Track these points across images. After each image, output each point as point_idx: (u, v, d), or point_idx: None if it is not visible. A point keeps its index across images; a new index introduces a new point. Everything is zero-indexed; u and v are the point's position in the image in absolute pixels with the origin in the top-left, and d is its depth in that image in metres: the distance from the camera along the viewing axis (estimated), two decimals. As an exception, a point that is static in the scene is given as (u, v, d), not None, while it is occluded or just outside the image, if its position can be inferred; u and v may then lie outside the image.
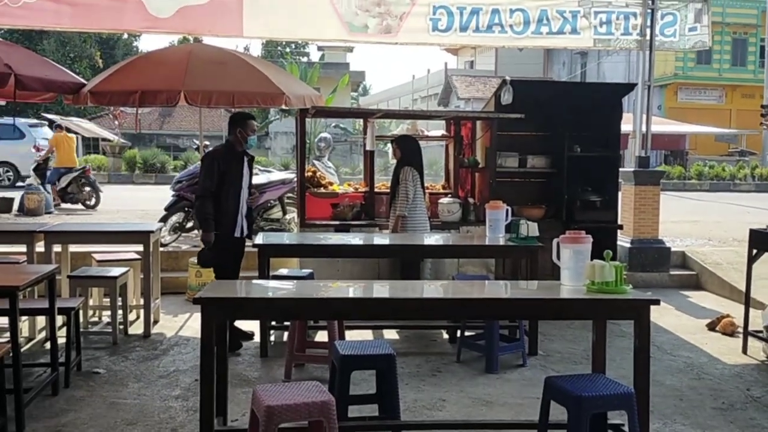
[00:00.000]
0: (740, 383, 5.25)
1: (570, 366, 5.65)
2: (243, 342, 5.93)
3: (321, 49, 41.12)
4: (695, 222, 13.33)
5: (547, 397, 3.54)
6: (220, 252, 5.77)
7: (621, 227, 7.94)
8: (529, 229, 5.79)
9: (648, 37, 8.67)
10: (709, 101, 36.58)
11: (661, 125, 23.87)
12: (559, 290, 3.89)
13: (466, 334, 5.84)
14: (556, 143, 7.77)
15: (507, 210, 6.10)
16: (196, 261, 6.42)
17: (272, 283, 4.19)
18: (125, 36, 42.29)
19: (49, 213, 12.43)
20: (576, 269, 3.93)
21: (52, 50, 38.07)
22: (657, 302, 3.68)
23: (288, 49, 42.22)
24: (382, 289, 4.21)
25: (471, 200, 7.67)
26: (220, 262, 5.81)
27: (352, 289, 4.12)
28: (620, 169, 8.26)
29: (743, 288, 7.99)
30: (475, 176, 7.98)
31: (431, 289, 4.13)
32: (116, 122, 26.86)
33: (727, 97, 37.15)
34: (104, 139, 30.17)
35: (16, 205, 12.51)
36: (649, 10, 8.57)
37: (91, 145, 33.77)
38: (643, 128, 8.90)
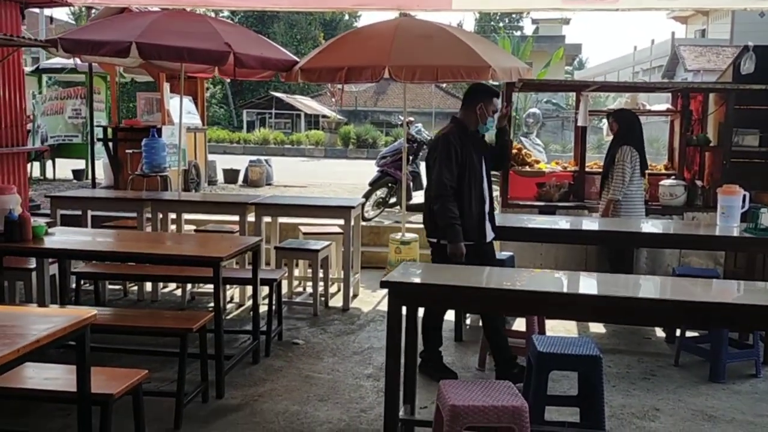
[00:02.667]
0: None
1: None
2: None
3: (535, 22, 39.82)
4: None
5: (791, 426, 2.91)
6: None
7: None
8: (771, 218, 4.94)
9: None
10: None
11: None
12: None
13: (688, 334, 5.16)
14: (809, 118, 6.62)
15: (744, 195, 5.28)
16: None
17: (466, 269, 3.91)
18: (346, 17, 44.22)
19: (269, 184, 13.24)
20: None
21: (282, 32, 40.86)
22: None
23: (501, 24, 41.52)
24: (586, 283, 3.75)
25: (698, 183, 6.80)
26: None
27: (551, 281, 3.72)
28: None
29: None
30: (705, 156, 7.07)
31: (646, 286, 3.60)
32: (333, 99, 28.11)
33: None
34: (323, 116, 31.91)
35: (241, 177, 13.48)
36: None
37: (312, 121, 35.89)
38: None
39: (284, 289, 6.21)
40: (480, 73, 6.32)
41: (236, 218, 6.66)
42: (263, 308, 5.24)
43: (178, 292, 6.56)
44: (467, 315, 5.81)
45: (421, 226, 8.61)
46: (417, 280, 3.47)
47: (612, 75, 44.39)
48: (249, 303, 6.25)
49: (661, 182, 6.75)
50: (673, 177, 7.02)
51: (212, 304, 6.01)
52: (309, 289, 6.69)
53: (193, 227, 7.32)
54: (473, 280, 3.51)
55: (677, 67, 36.20)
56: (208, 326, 4.09)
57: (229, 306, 6.21)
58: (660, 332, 5.79)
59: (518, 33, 37.81)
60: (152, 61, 7.48)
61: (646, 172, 6.23)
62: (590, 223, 5.77)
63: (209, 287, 6.66)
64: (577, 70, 47.72)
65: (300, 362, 4.88)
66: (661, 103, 7.92)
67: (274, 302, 5.19)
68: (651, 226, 5.62)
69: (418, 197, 9.22)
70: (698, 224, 6.28)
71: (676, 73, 36.14)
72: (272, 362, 4.86)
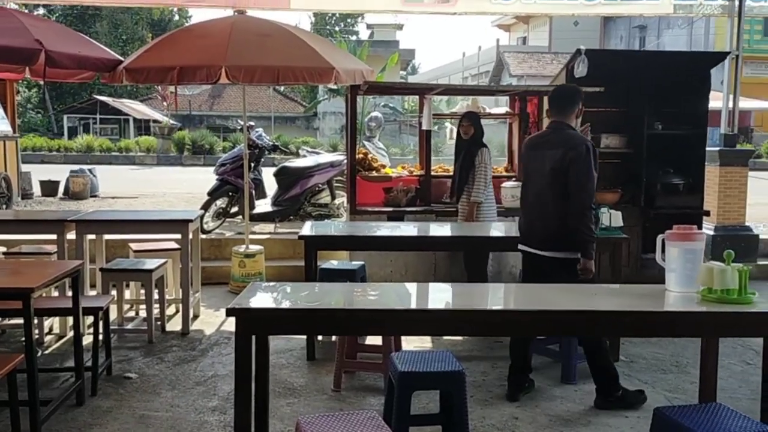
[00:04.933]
0: None
1: (658, 375, 4.94)
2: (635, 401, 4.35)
3: (370, 27, 40.34)
4: (773, 205, 12.26)
5: (657, 433, 2.87)
6: None
7: (708, 213, 7.11)
8: (612, 218, 5.08)
9: (737, 1, 7.75)
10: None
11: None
12: (667, 298, 3.20)
13: (537, 336, 5.18)
14: (634, 120, 6.99)
15: (584, 196, 5.38)
16: None
17: (316, 288, 3.59)
18: (176, 17, 42.35)
19: (95, 196, 12.15)
20: (685, 272, 3.25)
21: (105, 32, 38.34)
22: (797, 317, 2.96)
23: (337, 28, 41.68)
24: (446, 296, 3.56)
25: (538, 184, 6.95)
26: None
27: (408, 297, 3.48)
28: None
29: None
30: (541, 157, 7.25)
31: (506, 296, 3.48)
32: (164, 103, 26.71)
33: (794, 71, 35.14)
34: (155, 121, 30.27)
35: (61, 188, 12.26)
36: (740, -30, 7.66)
37: (142, 126, 33.96)
38: (730, 104, 8.01)
39: (113, 315, 5.57)
40: (323, 76, 6.05)
41: (54, 237, 5.89)
42: (88, 340, 4.62)
43: (-15, 325, 5.68)
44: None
45: (267, 236, 8.24)
46: (268, 304, 3.09)
47: (443, 80, 46.09)
48: (71, 334, 5.53)
49: (503, 184, 6.82)
50: (513, 179, 7.14)
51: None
52: (142, 314, 6.06)
53: (3, 249, 6.41)
54: (330, 301, 3.20)
55: (503, 73, 38.27)
56: (20, 367, 3.46)
57: (47, 338, 5.45)
58: (510, 334, 5.80)
59: (354, 37, 38.06)
60: (-54, 59, 6.50)
61: None
62: (440, 230, 5.66)
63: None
64: (410, 75, 49.01)
65: (133, 400, 4.32)
66: (497, 107, 8.08)
67: (100, 332, 4.57)
68: (499, 229, 5.61)
69: (262, 206, 8.79)
70: (541, 225, 6.39)
71: (502, 78, 38.22)
72: (100, 402, 4.26)
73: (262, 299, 3.18)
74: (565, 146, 4.18)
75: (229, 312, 2.88)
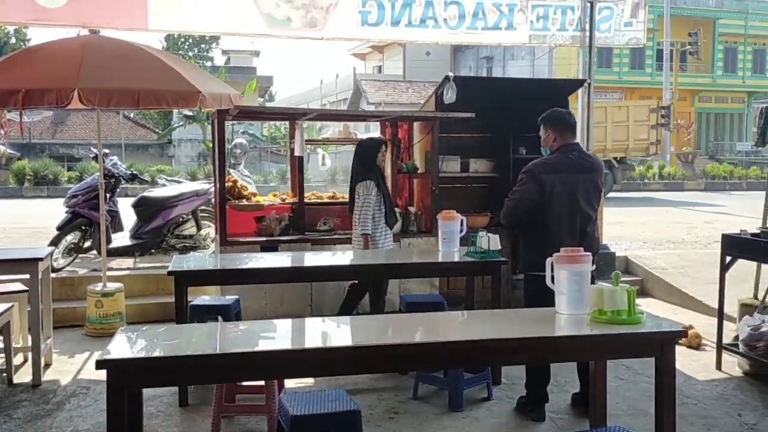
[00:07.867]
0: (728, 407, 4.72)
1: (540, 396, 4.98)
2: None
3: (226, 52, 39.60)
4: (621, 223, 13.13)
5: (561, 461, 2.83)
6: None
7: (571, 234, 7.40)
8: (490, 241, 5.11)
9: (588, 32, 8.22)
10: (610, 103, 37.72)
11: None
12: (559, 321, 3.19)
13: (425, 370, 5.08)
14: (500, 145, 7.19)
15: (462, 220, 5.41)
16: None
17: (196, 331, 3.27)
18: (13, 40, 39.43)
19: None
20: (573, 294, 3.27)
21: (-71, 55, 34.97)
22: (684, 334, 3.05)
23: (191, 53, 40.59)
24: (332, 333, 3.35)
25: (411, 209, 6.95)
26: None
27: (296, 337, 3.25)
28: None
29: (694, 294, 7.69)
30: (413, 183, 7.28)
31: (389, 329, 3.32)
32: (2, 131, 24.61)
33: (626, 99, 38.49)
34: (-11, 150, 27.79)
35: None
36: (588, 4, 8.12)
37: (-26, 156, 31.10)
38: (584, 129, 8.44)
39: (-51, 370, 4.88)
40: (188, 100, 5.71)
41: None
42: None
43: None
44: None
45: (126, 272, 7.66)
46: (145, 353, 2.74)
47: (302, 106, 46.10)
48: None
49: (378, 211, 6.74)
50: (388, 204, 7.09)
51: None
52: (-15, 365, 5.36)
53: None
54: (217, 347, 2.90)
55: (361, 100, 38.86)
56: None
57: None
58: (392, 363, 5.68)
59: (209, 63, 37.20)
60: None
61: None
62: (316, 259, 5.46)
63: None
64: (268, 102, 48.61)
65: (-23, 468, 3.76)
66: (368, 133, 8.04)
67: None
68: (379, 257, 5.50)
69: (119, 240, 8.18)
70: (415, 251, 6.36)
71: (360, 105, 38.80)
72: (-65, 475, 3.67)
73: (136, 348, 2.83)
74: (600, 168, 4.66)
75: (100, 364, 2.53)
